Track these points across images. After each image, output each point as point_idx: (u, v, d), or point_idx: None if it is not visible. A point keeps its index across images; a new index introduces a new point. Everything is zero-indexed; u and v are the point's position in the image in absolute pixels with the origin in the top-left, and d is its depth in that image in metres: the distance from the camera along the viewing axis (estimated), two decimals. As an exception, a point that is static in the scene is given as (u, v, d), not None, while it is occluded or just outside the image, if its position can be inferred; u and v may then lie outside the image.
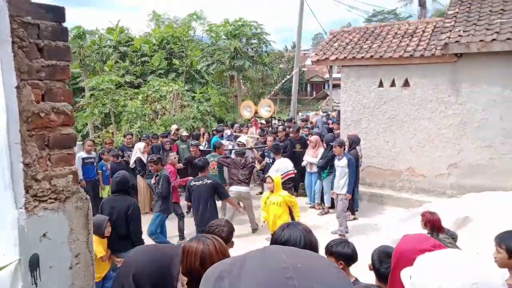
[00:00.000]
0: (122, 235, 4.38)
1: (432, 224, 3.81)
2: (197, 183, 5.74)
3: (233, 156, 7.51)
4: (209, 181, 5.75)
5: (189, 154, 8.32)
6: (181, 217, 6.71)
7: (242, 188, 6.81)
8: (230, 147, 8.90)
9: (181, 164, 7.78)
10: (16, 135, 1.36)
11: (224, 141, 9.18)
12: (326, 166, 7.51)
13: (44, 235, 1.50)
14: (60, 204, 1.57)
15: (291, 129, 9.40)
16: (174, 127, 10.66)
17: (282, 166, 6.70)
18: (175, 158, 7.44)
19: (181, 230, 6.59)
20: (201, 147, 9.93)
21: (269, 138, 8.31)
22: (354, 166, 6.69)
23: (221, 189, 5.95)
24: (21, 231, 1.41)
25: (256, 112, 11.50)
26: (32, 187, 1.47)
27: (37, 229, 1.48)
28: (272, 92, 17.94)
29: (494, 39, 6.62)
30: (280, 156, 6.94)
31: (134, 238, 4.40)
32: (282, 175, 6.19)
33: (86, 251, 1.68)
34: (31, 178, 1.46)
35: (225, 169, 7.58)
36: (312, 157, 7.95)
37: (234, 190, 6.77)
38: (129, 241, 4.37)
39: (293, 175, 6.75)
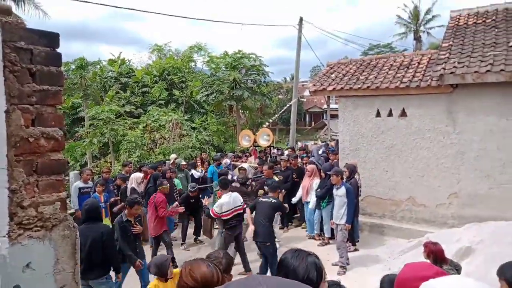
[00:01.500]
0: (97, 263, 4.43)
1: (435, 255, 3.74)
2: (263, 199, 6.26)
3: (236, 184, 7.50)
4: (274, 201, 6.26)
5: (188, 185, 8.28)
6: (169, 246, 6.63)
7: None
8: (229, 177, 8.89)
9: (178, 207, 7.55)
10: (2, 159, 1.33)
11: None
12: (325, 196, 7.47)
13: (27, 265, 1.43)
14: (46, 233, 1.50)
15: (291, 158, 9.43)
16: (173, 156, 10.59)
17: (230, 201, 6.42)
18: (167, 186, 7.33)
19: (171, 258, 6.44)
20: (196, 174, 9.96)
21: (264, 167, 8.34)
22: (353, 195, 6.66)
23: (284, 209, 6.62)
24: (3, 261, 1.34)
25: (255, 141, 11.49)
26: (17, 214, 1.41)
27: (20, 259, 1.41)
28: (271, 122, 18.04)
29: (488, 70, 6.71)
30: (227, 190, 6.64)
31: (115, 265, 4.54)
32: (228, 211, 6.22)
33: (72, 283, 1.60)
34: (17, 205, 1.41)
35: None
36: (304, 186, 7.99)
37: (245, 216, 6.73)
38: (104, 269, 4.47)
39: (241, 211, 6.50)
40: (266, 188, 8.00)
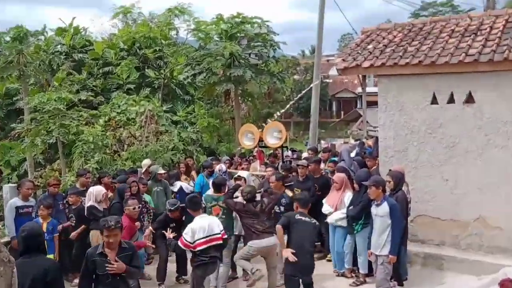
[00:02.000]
0: None
1: (515, 298, 3.75)
2: (303, 218, 6.40)
3: (240, 199, 7.57)
4: (314, 221, 6.47)
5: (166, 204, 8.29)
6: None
7: (269, 241, 6.91)
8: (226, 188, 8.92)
9: (150, 231, 7.53)
10: None
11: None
12: (360, 216, 7.43)
13: None
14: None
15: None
16: (146, 162, 10.65)
17: (204, 226, 6.46)
18: (134, 208, 7.29)
19: None
20: (187, 187, 10.07)
21: (272, 178, 8.41)
22: (400, 214, 6.65)
23: (323, 235, 6.92)
24: None
25: (260, 140, 11.45)
26: None
27: None
28: (283, 112, 18.01)
29: None
30: (199, 212, 6.72)
31: None
32: (202, 239, 6.36)
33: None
34: None
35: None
36: (332, 204, 7.96)
37: (255, 245, 6.90)
38: None
39: (221, 242, 6.56)
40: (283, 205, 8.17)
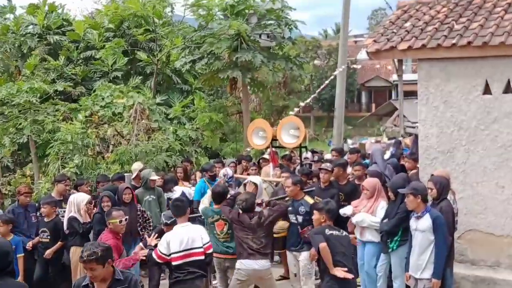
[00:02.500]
0: None
1: None
2: (334, 232, 6.51)
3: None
4: (345, 233, 6.72)
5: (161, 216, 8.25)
6: None
7: (258, 264, 7.09)
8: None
9: (143, 252, 7.35)
10: None
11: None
12: (396, 231, 7.43)
13: None
14: None
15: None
16: (136, 166, 10.68)
17: (182, 237, 6.58)
18: (121, 221, 7.09)
19: None
20: (191, 192, 10.22)
21: (288, 182, 8.37)
22: (445, 229, 6.66)
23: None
24: None
25: (274, 139, 11.46)
26: None
27: None
28: (302, 106, 17.91)
29: None
30: (183, 219, 6.81)
31: None
32: (178, 252, 6.46)
33: None
34: None
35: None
36: (359, 212, 7.95)
37: (243, 267, 7.05)
38: None
39: (202, 257, 6.63)
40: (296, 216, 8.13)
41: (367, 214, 7.83)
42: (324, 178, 8.99)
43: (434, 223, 6.53)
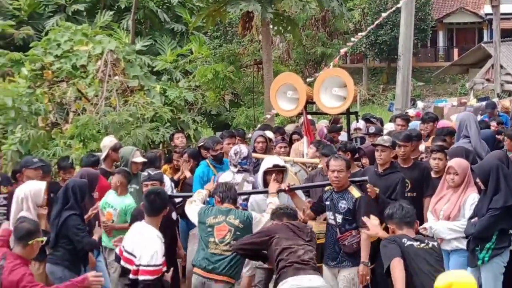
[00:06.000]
0: None
1: None
2: (415, 243, 5.86)
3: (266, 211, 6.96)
4: (433, 243, 5.96)
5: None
6: None
7: (315, 282, 6.25)
8: (248, 187, 8.08)
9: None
10: None
11: (228, 174, 8.19)
12: (489, 235, 6.71)
13: None
14: None
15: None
16: (107, 142, 9.40)
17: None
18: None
19: None
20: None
21: (311, 151, 8.62)
22: None
23: None
24: None
25: (309, 102, 10.00)
26: None
27: None
28: (350, 52, 16.42)
29: None
30: (156, 221, 6.51)
31: None
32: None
33: None
34: None
35: None
36: (445, 214, 7.12)
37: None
38: None
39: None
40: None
41: (447, 222, 7.09)
42: (382, 158, 7.57)
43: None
